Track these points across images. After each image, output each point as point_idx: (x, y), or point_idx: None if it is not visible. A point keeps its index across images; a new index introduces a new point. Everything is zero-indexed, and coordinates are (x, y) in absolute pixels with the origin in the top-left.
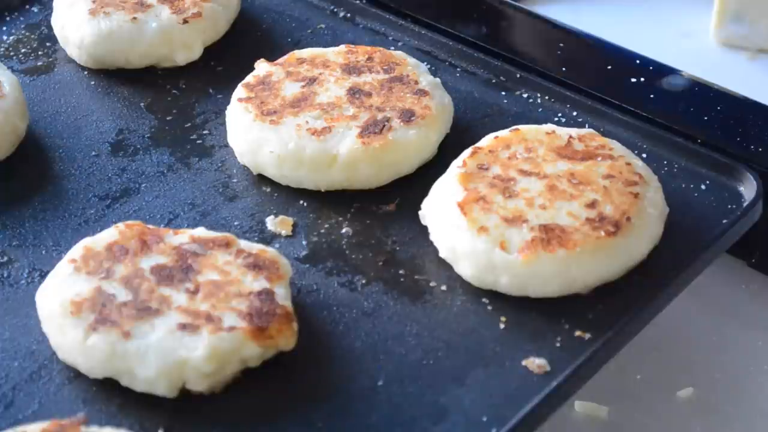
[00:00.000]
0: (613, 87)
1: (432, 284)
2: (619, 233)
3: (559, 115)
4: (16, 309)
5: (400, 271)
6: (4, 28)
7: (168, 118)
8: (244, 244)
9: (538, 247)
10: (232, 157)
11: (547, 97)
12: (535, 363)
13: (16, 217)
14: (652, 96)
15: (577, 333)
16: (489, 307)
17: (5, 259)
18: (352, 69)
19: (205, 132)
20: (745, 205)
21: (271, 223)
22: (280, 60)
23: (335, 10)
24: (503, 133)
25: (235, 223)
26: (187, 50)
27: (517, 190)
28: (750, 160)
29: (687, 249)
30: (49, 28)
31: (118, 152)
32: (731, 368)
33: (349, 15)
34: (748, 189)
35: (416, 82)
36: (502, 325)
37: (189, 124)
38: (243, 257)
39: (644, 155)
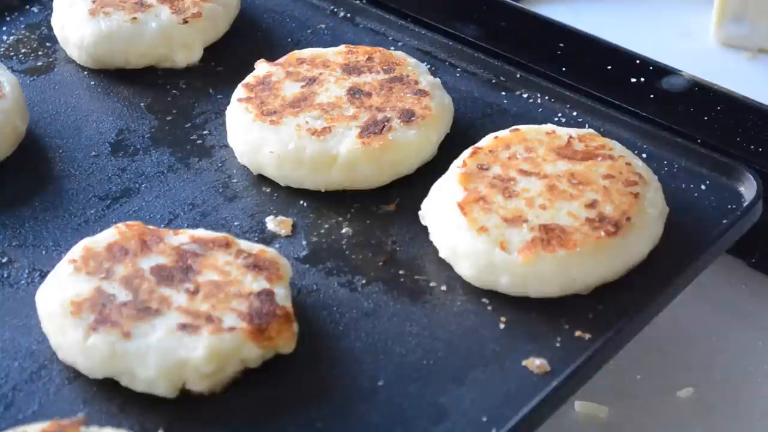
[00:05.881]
0: (613, 87)
1: (432, 284)
2: (619, 233)
3: (559, 115)
4: (16, 309)
5: (400, 271)
6: (4, 28)
7: (168, 118)
8: (244, 244)
9: (538, 247)
10: (232, 157)
11: (547, 97)
12: (535, 363)
13: (16, 217)
14: (652, 96)
15: (577, 333)
16: (489, 307)
17: (5, 259)
18: (352, 69)
19: (205, 132)
20: (745, 205)
21: (271, 223)
22: (280, 60)
23: (335, 10)
24: (503, 133)
25: (235, 223)
26: (187, 50)
27: (517, 190)
28: (750, 160)
29: (687, 249)
30: (49, 28)
31: (118, 152)
32: (731, 368)
33: (349, 15)
34: (748, 189)
35: (416, 82)
36: (502, 325)
37: (189, 124)
38: (243, 257)
39: (644, 155)
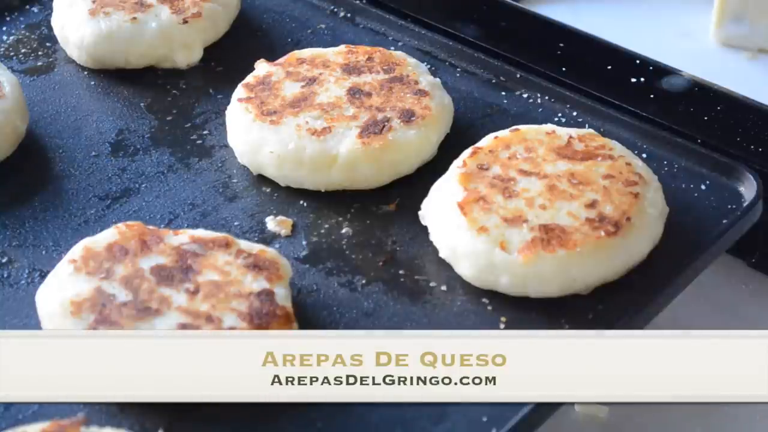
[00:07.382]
0: (613, 87)
1: (432, 284)
2: (619, 233)
3: (559, 115)
4: (16, 309)
5: (400, 271)
6: (4, 28)
7: (168, 118)
8: (244, 244)
9: (538, 247)
10: (232, 157)
11: (547, 97)
12: None
13: (16, 217)
14: (652, 96)
15: None
16: (489, 307)
17: (5, 259)
18: (352, 69)
19: (205, 132)
20: (745, 205)
21: (271, 223)
22: (280, 60)
23: (335, 10)
24: (503, 133)
25: (235, 223)
26: (187, 50)
27: (517, 190)
28: (750, 160)
29: (687, 249)
30: (49, 28)
31: (118, 152)
32: None
33: (349, 15)
34: (748, 189)
35: (416, 82)
36: (502, 325)
37: (189, 124)
38: (243, 257)
39: (644, 155)
